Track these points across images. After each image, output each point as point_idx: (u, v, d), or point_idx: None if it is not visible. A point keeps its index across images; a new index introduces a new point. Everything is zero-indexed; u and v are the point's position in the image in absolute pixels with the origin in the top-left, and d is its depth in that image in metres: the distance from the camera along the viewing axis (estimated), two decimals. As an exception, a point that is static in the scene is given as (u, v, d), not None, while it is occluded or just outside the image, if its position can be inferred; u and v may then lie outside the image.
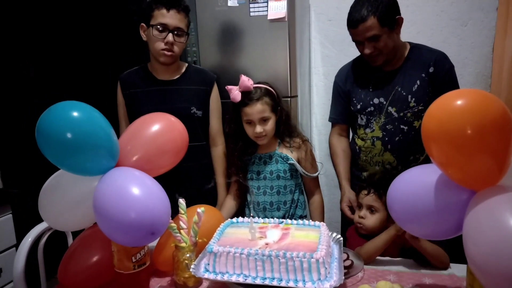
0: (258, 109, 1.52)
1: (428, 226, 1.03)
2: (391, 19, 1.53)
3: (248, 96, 1.53)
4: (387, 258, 1.37)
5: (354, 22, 1.54)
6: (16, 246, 2.04)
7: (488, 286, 0.81)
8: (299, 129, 1.71)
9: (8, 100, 2.53)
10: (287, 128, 1.65)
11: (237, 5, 2.11)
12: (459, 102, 0.86)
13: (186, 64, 1.83)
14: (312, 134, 2.75)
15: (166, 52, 1.66)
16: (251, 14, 2.14)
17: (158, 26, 1.63)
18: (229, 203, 1.71)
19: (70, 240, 1.57)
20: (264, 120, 1.54)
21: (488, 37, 2.45)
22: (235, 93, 1.54)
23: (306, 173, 1.63)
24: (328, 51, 2.74)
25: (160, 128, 1.30)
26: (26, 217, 1.64)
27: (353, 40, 1.62)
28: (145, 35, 1.71)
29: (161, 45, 1.65)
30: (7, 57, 2.52)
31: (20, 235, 1.51)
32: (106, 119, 1.18)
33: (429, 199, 0.98)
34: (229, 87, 1.56)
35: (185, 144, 1.36)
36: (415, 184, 1.04)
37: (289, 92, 2.06)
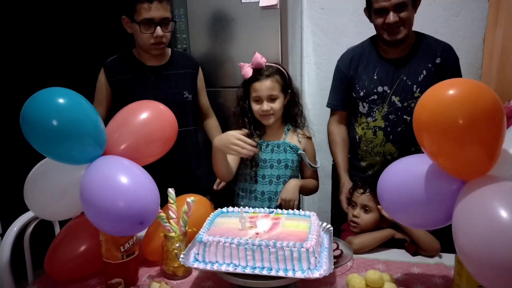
0: (267, 85, 1.51)
1: (418, 216, 1.03)
2: None
3: (259, 72, 1.54)
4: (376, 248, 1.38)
5: None
6: (2, 235, 2.01)
7: (476, 275, 0.82)
8: (305, 119, 1.68)
9: None
10: (296, 112, 1.63)
11: (229, -9, 2.08)
12: (450, 92, 0.85)
13: (169, 49, 1.80)
14: (303, 124, 2.75)
15: (157, 46, 1.65)
16: (243, 0, 2.11)
17: (144, 22, 1.59)
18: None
19: (57, 229, 1.55)
20: (272, 99, 1.53)
21: (480, 28, 2.45)
22: (247, 69, 1.54)
23: (312, 164, 1.62)
24: (320, 40, 2.71)
25: (148, 116, 1.27)
26: (12, 206, 1.60)
27: (376, 9, 1.53)
28: (129, 28, 1.67)
29: (151, 40, 1.62)
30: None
31: (5, 225, 1.48)
32: (93, 106, 1.16)
33: (419, 189, 0.98)
34: (242, 63, 1.56)
35: (175, 132, 1.34)
36: (406, 174, 1.04)
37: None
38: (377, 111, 1.65)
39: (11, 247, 1.30)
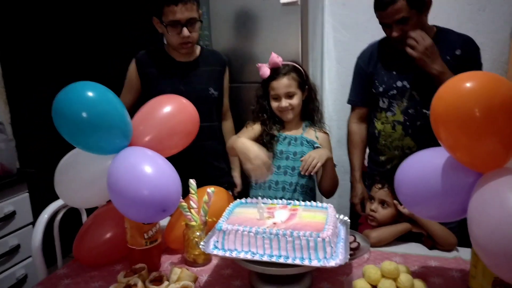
0: (284, 83, 1.58)
1: (435, 208, 1.03)
2: (420, 1, 1.50)
3: (276, 71, 1.60)
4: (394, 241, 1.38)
5: (383, 4, 1.51)
6: (33, 224, 2.11)
7: (491, 266, 0.82)
8: (321, 115, 1.73)
9: (24, 80, 2.58)
10: (313, 108, 1.68)
11: (250, -12, 2.11)
12: (468, 85, 0.85)
13: (199, 46, 1.86)
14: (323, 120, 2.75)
15: (184, 45, 1.70)
16: (264, -3, 2.13)
17: (171, 24, 1.65)
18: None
19: (84, 217, 1.63)
20: (290, 96, 1.59)
21: (507, 23, 2.39)
22: (265, 69, 1.61)
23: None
24: (341, 35, 2.71)
25: (171, 110, 1.32)
26: (42, 195, 1.69)
27: (380, 23, 1.58)
28: (159, 28, 1.73)
29: (178, 40, 1.68)
30: (22, 35, 2.56)
31: (36, 213, 1.56)
32: (119, 99, 1.21)
33: (436, 182, 0.98)
34: (260, 64, 1.63)
35: (196, 126, 1.38)
36: (423, 167, 1.04)
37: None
38: (396, 105, 1.65)
39: (42, 234, 1.37)
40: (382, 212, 1.41)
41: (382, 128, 1.70)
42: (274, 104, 1.61)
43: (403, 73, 1.63)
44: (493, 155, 0.88)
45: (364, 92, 1.75)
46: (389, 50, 1.67)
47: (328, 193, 1.65)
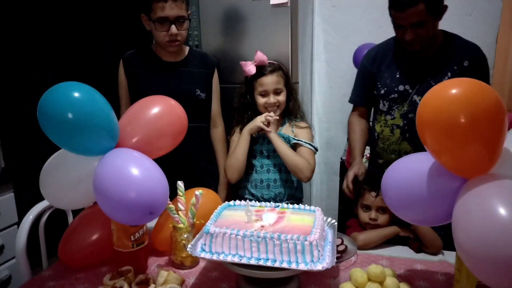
0: (273, 79, 1.64)
1: (420, 212, 1.05)
2: (439, 7, 1.48)
3: (263, 67, 1.65)
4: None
5: (401, 4, 1.44)
6: (18, 224, 2.07)
7: (475, 271, 0.83)
8: (302, 113, 1.78)
9: (10, 79, 2.54)
10: (294, 106, 1.73)
11: (240, -11, 2.11)
12: (453, 91, 0.87)
13: (188, 47, 1.84)
14: (312, 122, 2.76)
15: (172, 43, 1.69)
16: (254, -2, 2.13)
17: (159, 20, 1.64)
18: None
19: (70, 218, 1.60)
20: (277, 92, 1.65)
21: (493, 27, 2.44)
22: (250, 66, 1.64)
23: (309, 143, 1.68)
24: (331, 37, 2.73)
25: (159, 111, 1.31)
26: (28, 195, 1.67)
27: (394, 23, 1.53)
28: (147, 25, 1.71)
29: (166, 38, 1.67)
30: (8, 33, 2.52)
31: (21, 213, 1.53)
32: (106, 100, 1.20)
33: (422, 186, 1.00)
34: (243, 62, 1.66)
35: (184, 127, 1.37)
36: (409, 171, 1.06)
37: (290, 78, 2.08)
38: (396, 109, 1.64)
39: (27, 234, 1.35)
40: (382, 218, 1.41)
41: (380, 131, 1.70)
42: (261, 101, 1.65)
43: (406, 78, 1.61)
44: (477, 161, 0.89)
45: (365, 92, 1.75)
46: (394, 52, 1.65)
47: (296, 174, 1.63)
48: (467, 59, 1.55)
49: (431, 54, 1.58)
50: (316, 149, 1.71)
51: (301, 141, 1.67)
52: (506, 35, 2.37)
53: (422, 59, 1.59)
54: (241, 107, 1.72)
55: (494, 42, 2.44)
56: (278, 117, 1.66)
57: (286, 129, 1.73)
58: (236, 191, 1.83)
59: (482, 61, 1.59)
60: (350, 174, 1.60)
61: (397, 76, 1.63)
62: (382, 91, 1.66)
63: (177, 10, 1.64)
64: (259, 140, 1.72)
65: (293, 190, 1.75)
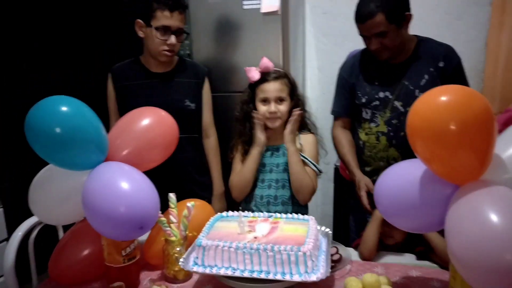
0: (276, 86, 1.54)
1: (413, 219, 1.04)
2: (400, 15, 1.51)
3: (267, 74, 1.56)
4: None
5: (362, 17, 1.51)
6: (7, 239, 2.04)
7: (467, 278, 0.82)
8: (310, 125, 1.67)
9: (10, 79, 2.50)
10: (305, 118, 1.63)
11: (230, -3, 2.11)
12: (443, 98, 0.87)
13: (177, 57, 1.83)
14: (305, 128, 2.75)
15: (167, 53, 1.68)
16: (244, 7, 2.14)
17: (161, 29, 1.63)
18: None
19: (60, 234, 1.58)
20: (280, 100, 1.54)
21: (482, 32, 2.45)
22: (254, 72, 1.56)
23: (315, 164, 1.59)
24: (322, 44, 2.73)
25: (149, 123, 1.30)
26: (17, 211, 1.64)
27: (360, 35, 1.58)
28: (142, 32, 1.70)
29: (163, 47, 1.66)
30: (8, 34, 2.49)
31: (11, 229, 1.51)
32: (95, 113, 1.18)
33: (414, 193, 0.99)
34: (248, 67, 1.58)
35: (175, 138, 1.36)
36: (401, 179, 1.05)
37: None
38: (379, 116, 1.65)
39: (16, 251, 1.33)
40: (398, 233, 1.38)
41: (366, 139, 1.70)
42: (263, 108, 1.55)
43: (385, 84, 1.63)
44: (468, 167, 0.89)
45: (347, 103, 1.75)
46: (370, 61, 1.68)
47: (297, 194, 1.54)
48: (442, 60, 1.58)
49: (406, 59, 1.62)
50: (320, 172, 1.62)
51: (308, 160, 1.57)
52: (495, 39, 2.38)
53: (398, 65, 1.62)
54: (242, 116, 1.62)
55: (484, 46, 2.45)
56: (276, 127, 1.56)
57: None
58: (233, 203, 1.73)
59: (457, 61, 1.61)
60: (363, 195, 1.55)
61: (376, 83, 1.65)
62: (363, 100, 1.67)
63: (179, 22, 1.66)
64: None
65: (295, 208, 1.58)
